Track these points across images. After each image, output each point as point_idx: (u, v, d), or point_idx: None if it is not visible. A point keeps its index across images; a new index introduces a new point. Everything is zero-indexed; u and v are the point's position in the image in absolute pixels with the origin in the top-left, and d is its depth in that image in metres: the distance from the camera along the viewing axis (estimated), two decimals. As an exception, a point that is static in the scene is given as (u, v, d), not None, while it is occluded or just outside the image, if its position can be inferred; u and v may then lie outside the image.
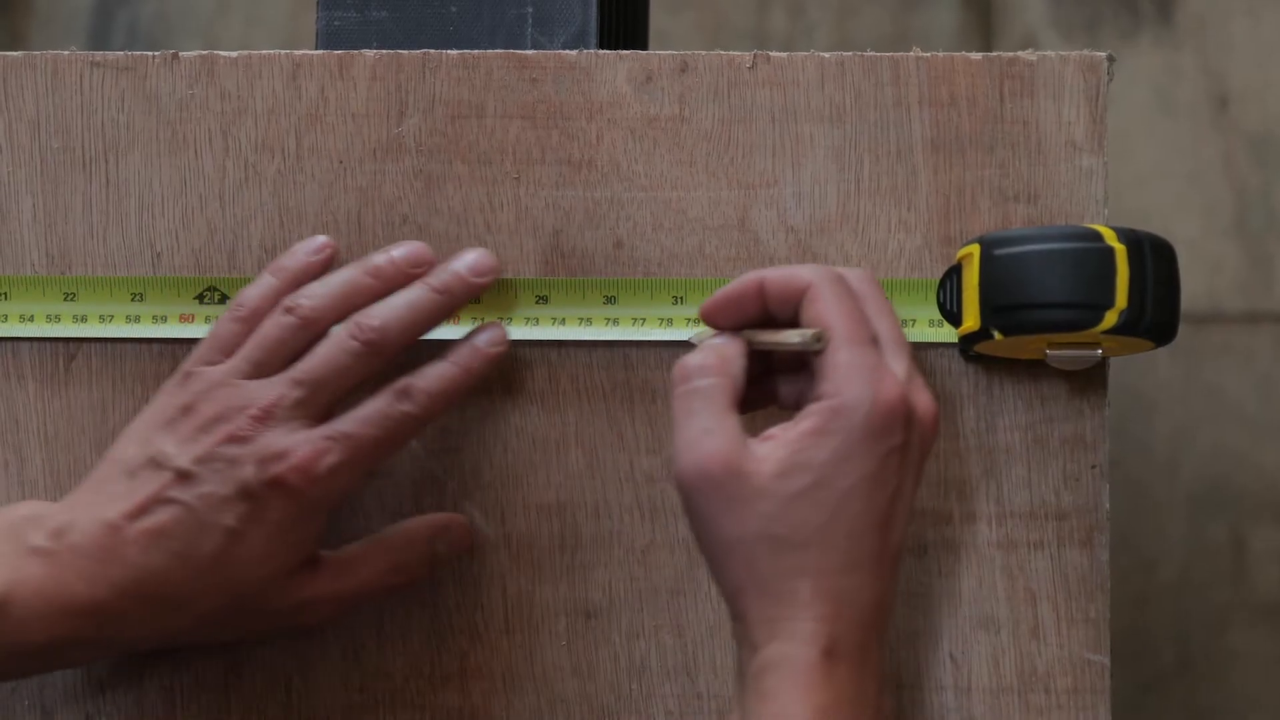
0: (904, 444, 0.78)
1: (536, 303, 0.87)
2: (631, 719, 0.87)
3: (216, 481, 0.81)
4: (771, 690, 0.77)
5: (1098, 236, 0.81)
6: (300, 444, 0.81)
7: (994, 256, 0.82)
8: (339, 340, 0.82)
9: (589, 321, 0.87)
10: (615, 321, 0.87)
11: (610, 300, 0.87)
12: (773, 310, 0.81)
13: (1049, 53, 0.87)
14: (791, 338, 0.79)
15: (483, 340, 0.85)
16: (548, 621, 0.87)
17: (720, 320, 0.81)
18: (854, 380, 0.78)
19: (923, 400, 0.79)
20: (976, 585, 0.86)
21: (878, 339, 0.79)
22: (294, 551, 0.82)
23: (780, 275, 0.81)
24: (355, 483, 0.83)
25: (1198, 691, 1.41)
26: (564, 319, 0.87)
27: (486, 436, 0.87)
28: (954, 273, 0.85)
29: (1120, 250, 0.81)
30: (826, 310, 0.79)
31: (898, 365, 0.79)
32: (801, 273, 0.80)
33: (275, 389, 0.82)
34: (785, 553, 0.77)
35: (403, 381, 0.83)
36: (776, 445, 0.78)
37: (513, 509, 0.88)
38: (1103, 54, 0.87)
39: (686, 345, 0.85)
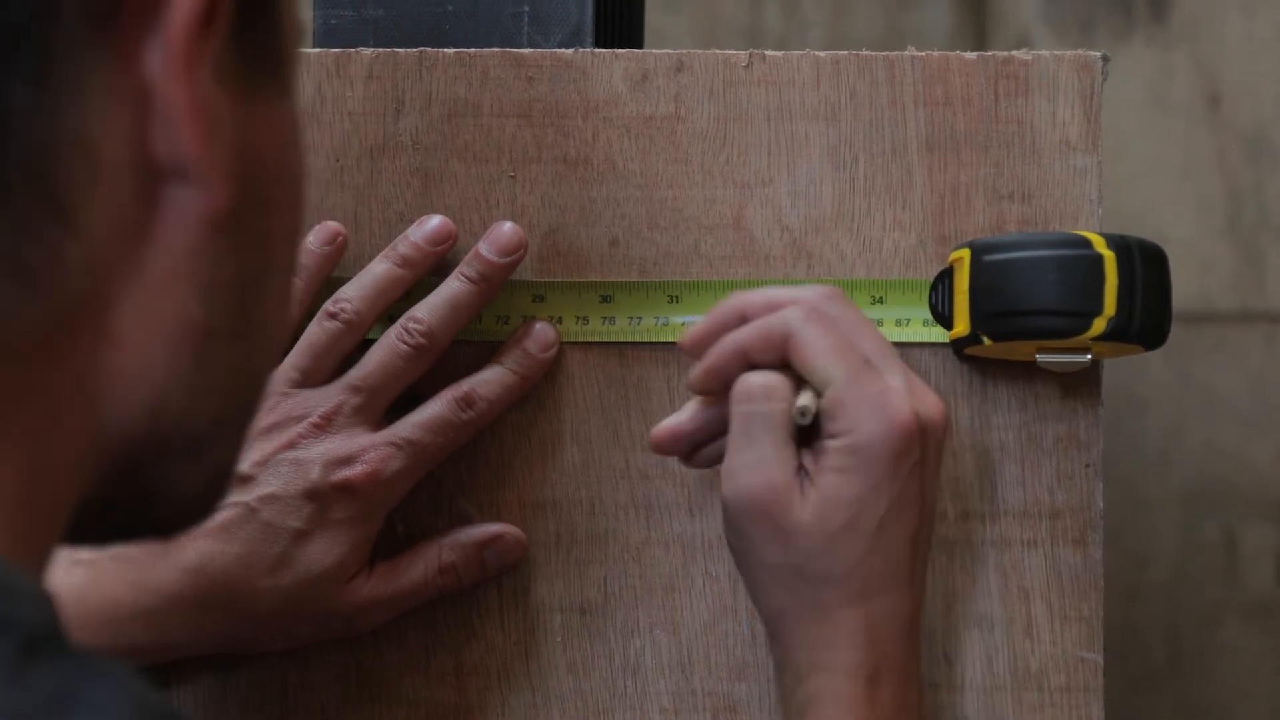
0: (922, 457, 0.79)
1: (533, 302, 0.87)
2: (626, 715, 0.87)
3: (280, 484, 0.82)
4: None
5: (1086, 244, 0.81)
6: (367, 449, 0.82)
7: (983, 262, 0.83)
8: (391, 346, 0.84)
9: (585, 320, 0.87)
10: (611, 320, 0.87)
11: (606, 299, 0.87)
12: (756, 361, 0.80)
13: (1044, 52, 0.87)
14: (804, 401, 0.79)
15: (536, 346, 0.86)
16: (543, 618, 0.88)
17: (702, 352, 0.81)
18: (864, 414, 0.78)
19: (928, 403, 0.79)
20: (970, 583, 0.87)
21: (869, 360, 0.79)
22: (353, 554, 0.83)
23: (758, 329, 0.80)
24: (413, 485, 0.84)
25: (1189, 688, 1.41)
26: (560, 318, 0.87)
27: (482, 433, 0.87)
28: (946, 275, 0.85)
29: (1109, 257, 0.81)
30: (816, 356, 0.78)
31: (894, 379, 0.78)
32: (777, 323, 0.79)
33: (334, 396, 0.83)
34: (827, 585, 0.78)
35: (465, 387, 0.84)
36: (809, 487, 0.78)
37: (508, 506, 0.88)
38: (1097, 54, 0.87)
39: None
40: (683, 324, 0.87)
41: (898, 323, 0.86)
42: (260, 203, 0.53)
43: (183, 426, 0.53)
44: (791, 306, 0.79)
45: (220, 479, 0.56)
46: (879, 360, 0.79)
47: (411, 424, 0.83)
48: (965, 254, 0.83)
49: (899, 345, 0.86)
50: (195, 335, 0.52)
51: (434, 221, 0.85)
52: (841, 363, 0.78)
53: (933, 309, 0.85)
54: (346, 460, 0.82)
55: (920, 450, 0.78)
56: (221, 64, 0.50)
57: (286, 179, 0.54)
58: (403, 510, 0.87)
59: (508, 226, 0.85)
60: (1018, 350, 0.84)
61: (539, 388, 0.87)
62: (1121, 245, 0.82)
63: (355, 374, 0.84)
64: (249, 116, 0.52)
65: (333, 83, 0.88)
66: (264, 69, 0.53)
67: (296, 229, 0.56)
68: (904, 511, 0.78)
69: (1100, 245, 0.81)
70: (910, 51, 0.88)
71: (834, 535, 0.78)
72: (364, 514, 0.83)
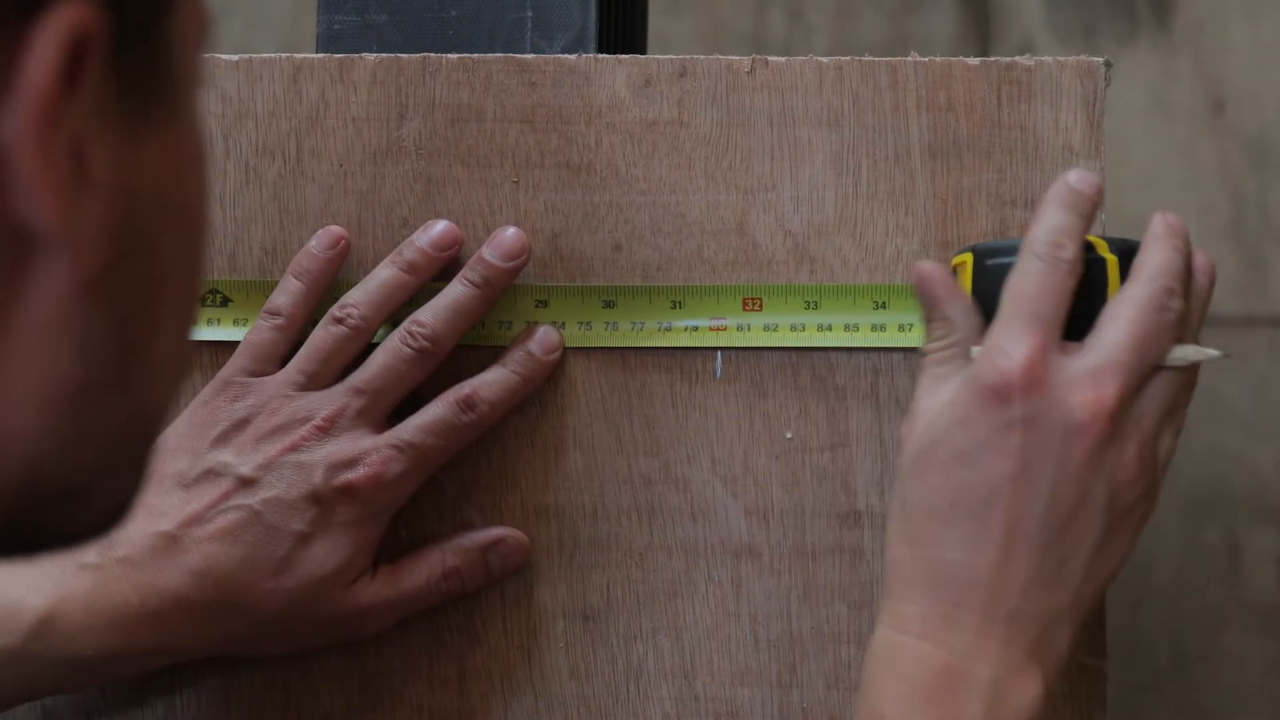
0: (1029, 418, 0.76)
1: (536, 307, 0.87)
2: (629, 721, 0.87)
3: (283, 487, 0.82)
4: (866, 678, 0.77)
5: (1090, 247, 0.81)
6: (369, 452, 0.82)
7: (986, 267, 0.82)
8: (394, 349, 0.84)
9: (588, 326, 0.87)
10: (614, 326, 0.87)
11: (609, 304, 0.87)
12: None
13: (1046, 58, 0.87)
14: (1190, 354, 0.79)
15: (540, 349, 0.86)
16: (546, 623, 0.88)
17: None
18: (984, 356, 0.77)
19: (1082, 391, 0.76)
20: (973, 588, 0.87)
21: (1036, 314, 0.77)
22: (357, 557, 0.83)
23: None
24: (416, 488, 0.84)
25: (1193, 693, 1.41)
26: (563, 323, 0.87)
27: (485, 438, 0.87)
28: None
29: (1112, 261, 0.81)
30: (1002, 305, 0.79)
31: (1030, 338, 0.76)
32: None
33: (338, 399, 0.83)
34: (899, 520, 0.78)
35: (466, 390, 0.84)
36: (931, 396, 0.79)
37: (511, 511, 0.88)
38: (1100, 59, 0.87)
39: (689, 350, 0.86)
40: (685, 329, 0.87)
41: (900, 328, 0.86)
42: (144, 249, 0.50)
43: (61, 479, 0.51)
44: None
45: (117, 511, 0.54)
46: (1035, 319, 0.77)
47: (413, 427, 0.84)
48: (968, 258, 0.83)
49: (901, 350, 0.86)
50: (70, 392, 0.49)
51: (439, 226, 0.86)
52: (1004, 307, 0.78)
53: None
54: (349, 463, 0.82)
55: (1024, 408, 0.75)
56: (100, 98, 0.47)
57: (179, 214, 0.51)
58: (406, 515, 0.87)
59: (511, 232, 0.86)
60: None
61: (542, 392, 0.87)
62: (1124, 249, 0.82)
63: (358, 377, 0.84)
64: (133, 152, 0.49)
65: (336, 88, 0.88)
66: (151, 95, 0.49)
67: (195, 264, 0.53)
68: (983, 460, 0.76)
69: (1103, 249, 0.81)
70: (913, 57, 0.88)
71: (912, 461, 0.77)
72: (367, 517, 0.83)
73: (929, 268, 0.81)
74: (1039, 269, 0.78)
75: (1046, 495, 0.76)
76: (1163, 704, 1.41)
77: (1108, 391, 0.76)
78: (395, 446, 0.83)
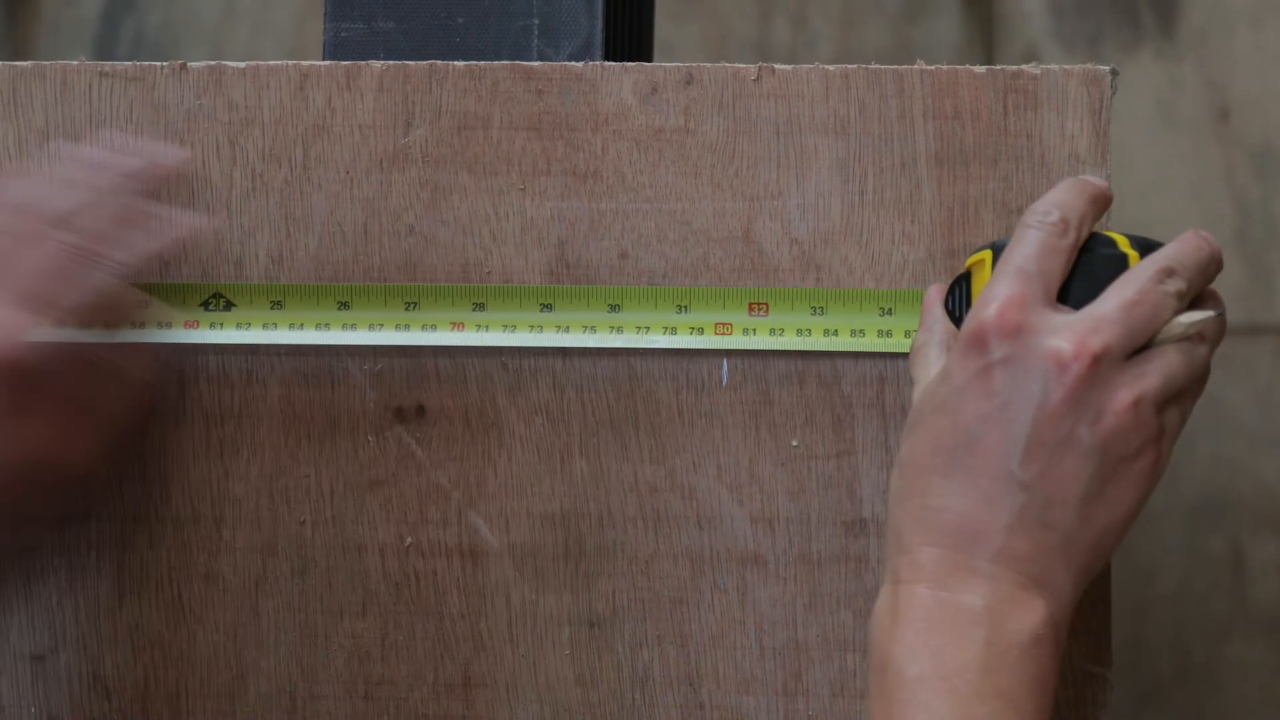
0: (1008, 358, 0.77)
1: (541, 310, 0.87)
2: (634, 728, 0.87)
3: None
4: (869, 635, 0.78)
5: (1111, 243, 0.82)
6: None
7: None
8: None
9: (593, 329, 0.87)
10: (619, 329, 0.87)
11: (614, 308, 0.87)
12: None
13: (1053, 66, 0.88)
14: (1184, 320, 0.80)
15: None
16: (551, 631, 0.88)
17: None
18: (968, 316, 0.79)
19: (1065, 336, 0.77)
20: (978, 596, 0.87)
21: (1018, 268, 0.79)
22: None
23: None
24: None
25: (1196, 702, 1.41)
26: (568, 326, 0.87)
27: (491, 446, 0.87)
28: (963, 280, 0.85)
29: (1134, 257, 0.81)
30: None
31: (1001, 285, 0.79)
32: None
33: None
34: (895, 484, 0.79)
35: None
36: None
37: (517, 518, 0.88)
38: (1106, 67, 0.87)
39: (695, 358, 0.86)
40: (691, 331, 0.87)
41: (906, 333, 0.86)
42: None
43: None
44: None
45: None
46: (1017, 272, 0.79)
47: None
48: (987, 255, 0.83)
49: (907, 357, 0.86)
50: None
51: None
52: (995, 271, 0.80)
53: (949, 312, 0.85)
54: None
55: (1007, 349, 0.77)
56: None
57: None
58: (411, 523, 0.87)
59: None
60: None
61: (547, 399, 0.88)
62: (1146, 246, 0.82)
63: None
64: None
65: (343, 95, 0.88)
66: None
67: None
68: (965, 405, 0.77)
69: (1125, 245, 0.81)
70: (919, 65, 0.88)
71: (911, 424, 0.79)
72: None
73: (933, 289, 0.84)
74: (1025, 235, 0.80)
75: (1025, 434, 0.76)
76: (1166, 712, 1.41)
77: (1092, 338, 0.77)
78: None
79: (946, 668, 0.75)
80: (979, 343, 0.77)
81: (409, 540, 0.88)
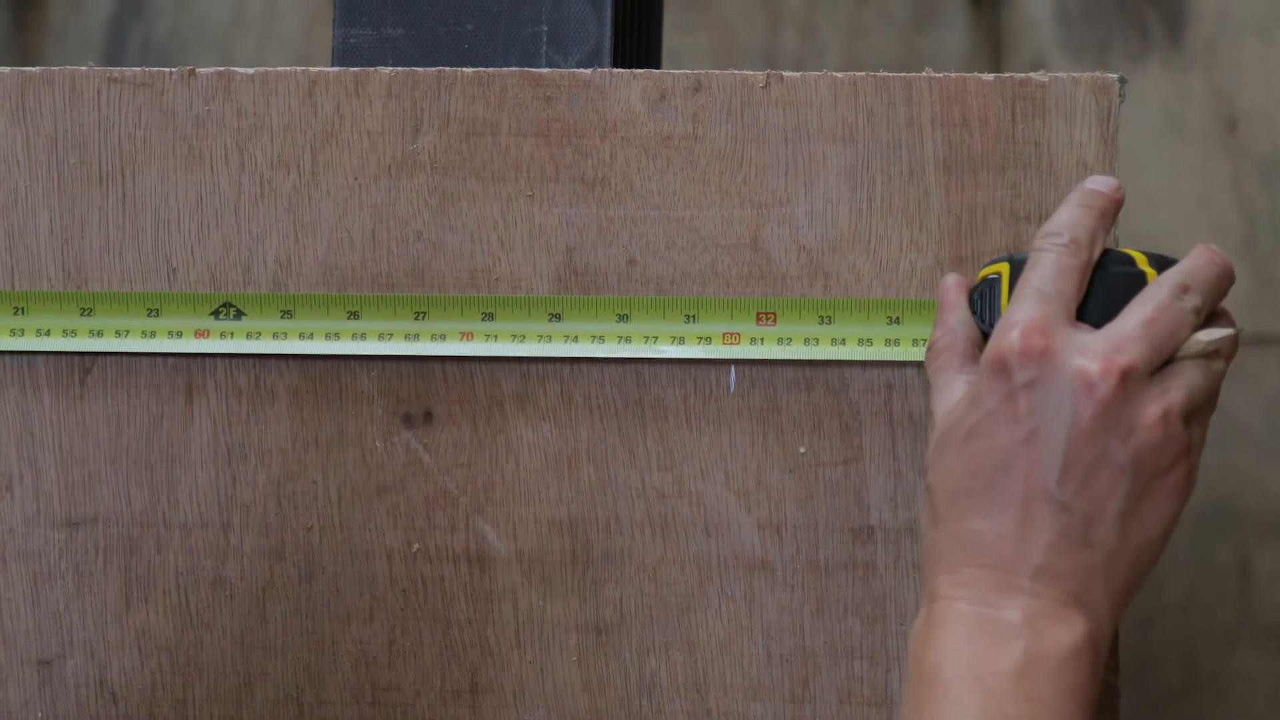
0: (1036, 380, 0.77)
1: (549, 320, 0.87)
2: (641, 735, 0.87)
3: None
4: (910, 651, 0.78)
5: (1130, 260, 0.82)
6: None
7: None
8: None
9: (602, 339, 0.87)
10: (628, 339, 0.87)
11: (623, 318, 0.87)
12: None
13: (1061, 74, 0.88)
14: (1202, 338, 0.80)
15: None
16: (559, 637, 0.88)
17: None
18: (990, 340, 0.80)
19: (1091, 354, 0.78)
20: (986, 604, 0.86)
21: (1037, 290, 0.80)
22: None
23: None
24: None
25: (1203, 712, 1.41)
26: (577, 336, 0.87)
27: (499, 452, 0.87)
28: (991, 286, 0.84)
29: (1152, 275, 0.81)
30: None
31: (1025, 309, 0.79)
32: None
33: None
34: (926, 507, 0.79)
35: None
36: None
37: (525, 525, 0.88)
38: (1114, 75, 0.88)
39: (703, 365, 0.86)
40: (699, 340, 0.87)
41: (914, 342, 0.86)
42: None
43: None
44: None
45: None
46: (1036, 294, 0.80)
47: None
48: (1004, 268, 0.83)
49: (915, 365, 0.86)
50: None
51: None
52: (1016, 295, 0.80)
53: (976, 314, 0.84)
54: None
55: (1033, 373, 0.77)
56: None
57: None
58: (419, 529, 0.87)
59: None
60: None
61: (555, 406, 0.88)
62: (1163, 265, 0.82)
63: None
64: None
65: (351, 101, 0.88)
66: None
67: None
68: (997, 429, 0.78)
69: (1143, 263, 0.82)
70: (928, 73, 0.88)
71: (936, 446, 0.79)
72: None
73: (950, 278, 0.84)
74: (1039, 257, 0.80)
75: (1060, 454, 0.77)
76: (1173, 722, 1.41)
77: (1117, 356, 0.78)
78: None
79: (981, 670, 0.75)
80: (1005, 367, 0.78)
81: (416, 546, 0.88)
